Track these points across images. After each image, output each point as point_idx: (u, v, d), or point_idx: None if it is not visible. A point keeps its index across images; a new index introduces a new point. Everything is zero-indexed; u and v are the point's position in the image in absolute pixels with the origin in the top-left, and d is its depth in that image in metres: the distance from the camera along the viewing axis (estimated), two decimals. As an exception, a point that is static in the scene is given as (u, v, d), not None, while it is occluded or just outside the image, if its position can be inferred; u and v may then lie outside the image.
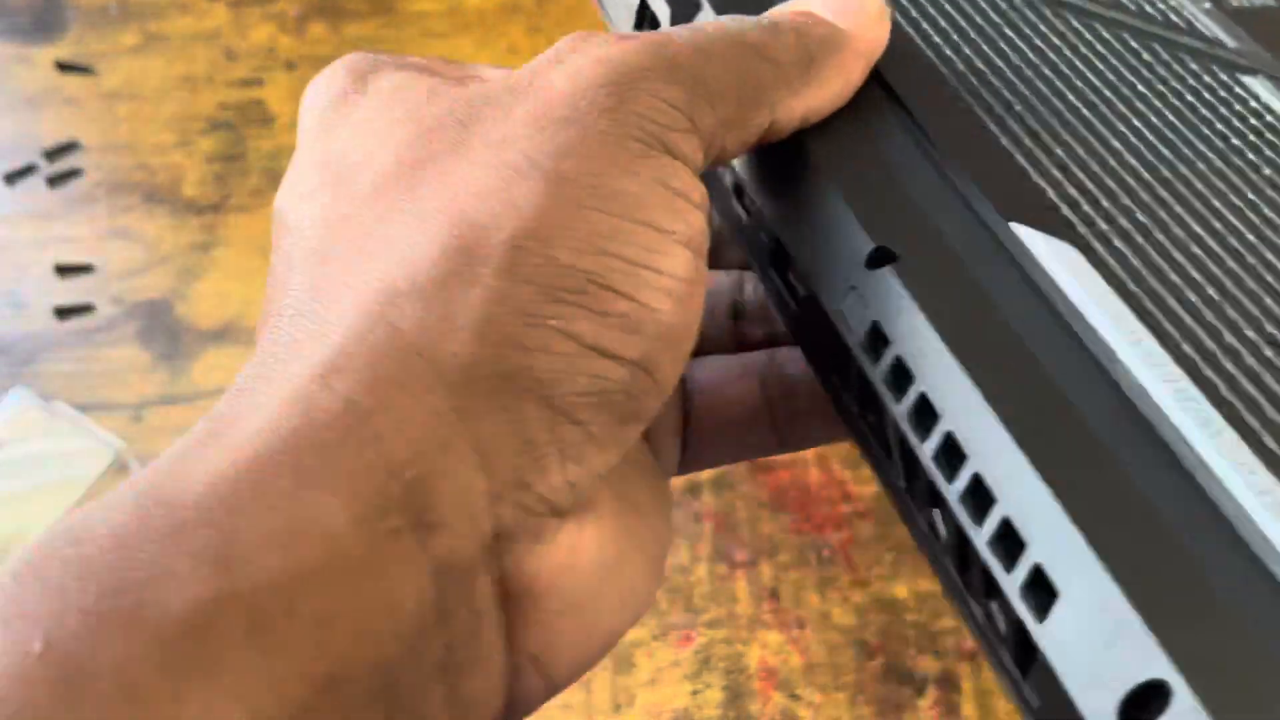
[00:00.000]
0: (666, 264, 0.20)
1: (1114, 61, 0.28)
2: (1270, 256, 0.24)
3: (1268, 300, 0.22)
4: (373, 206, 0.20)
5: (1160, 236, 0.23)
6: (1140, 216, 0.24)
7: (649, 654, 0.40)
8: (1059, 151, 0.25)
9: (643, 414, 0.20)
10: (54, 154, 0.60)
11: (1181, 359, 0.20)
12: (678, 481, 0.45)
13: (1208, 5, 0.33)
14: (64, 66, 0.63)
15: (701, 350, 0.28)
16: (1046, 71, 0.27)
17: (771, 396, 0.27)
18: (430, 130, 0.20)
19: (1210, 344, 0.21)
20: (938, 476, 0.19)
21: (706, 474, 0.45)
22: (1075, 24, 0.30)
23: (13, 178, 0.59)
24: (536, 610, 0.20)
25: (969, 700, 0.39)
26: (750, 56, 0.22)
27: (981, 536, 0.18)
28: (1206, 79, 0.29)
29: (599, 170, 0.19)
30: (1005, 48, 0.28)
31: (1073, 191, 0.24)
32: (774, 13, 0.23)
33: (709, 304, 0.27)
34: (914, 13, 0.28)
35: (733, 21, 0.22)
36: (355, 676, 0.16)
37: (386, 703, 0.17)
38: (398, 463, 0.17)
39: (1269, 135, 0.27)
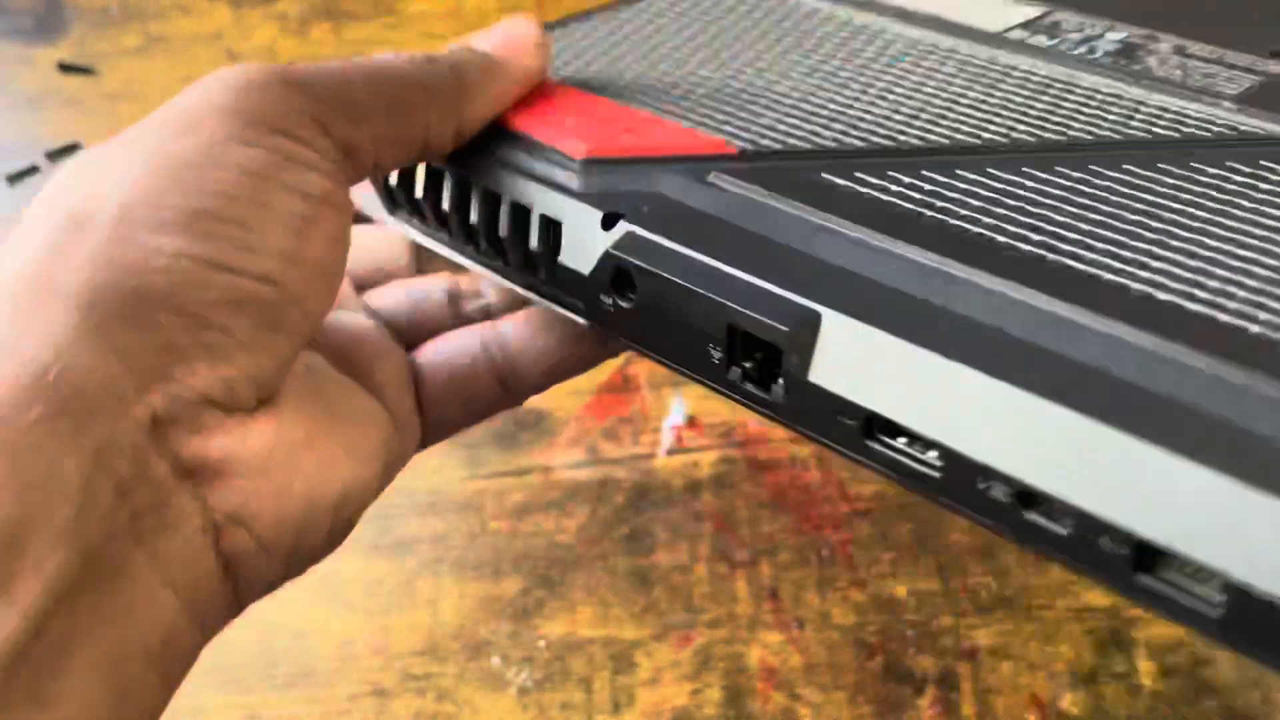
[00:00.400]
0: (279, 202, 0.24)
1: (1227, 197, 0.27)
2: None
3: None
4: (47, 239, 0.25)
5: None
6: None
7: (649, 654, 0.41)
8: None
9: (286, 323, 0.25)
10: (56, 155, 0.60)
11: None
12: (678, 482, 0.45)
13: (1228, 105, 0.32)
14: (66, 67, 0.63)
15: (431, 335, 0.33)
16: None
17: (491, 352, 0.32)
18: (92, 165, 0.25)
19: None
20: None
21: (706, 474, 0.45)
22: (1163, 169, 0.28)
23: (15, 178, 0.59)
24: (220, 478, 0.24)
25: (968, 700, 0.39)
26: (397, 84, 0.27)
27: None
28: None
29: (211, 140, 0.24)
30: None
31: None
32: (448, 48, 0.30)
33: (429, 296, 0.34)
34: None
35: (393, 57, 0.28)
36: (39, 531, 0.20)
37: (82, 556, 0.21)
38: (42, 365, 0.21)
39: None
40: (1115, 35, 0.36)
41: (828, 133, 0.30)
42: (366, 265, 0.34)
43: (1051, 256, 0.25)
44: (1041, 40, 0.36)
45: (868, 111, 0.31)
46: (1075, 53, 0.35)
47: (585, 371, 0.32)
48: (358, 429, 0.27)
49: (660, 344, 0.27)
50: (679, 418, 0.46)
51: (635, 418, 0.47)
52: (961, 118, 0.31)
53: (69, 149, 0.60)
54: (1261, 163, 0.29)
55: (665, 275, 0.26)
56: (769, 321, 0.24)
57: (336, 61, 0.27)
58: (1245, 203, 0.27)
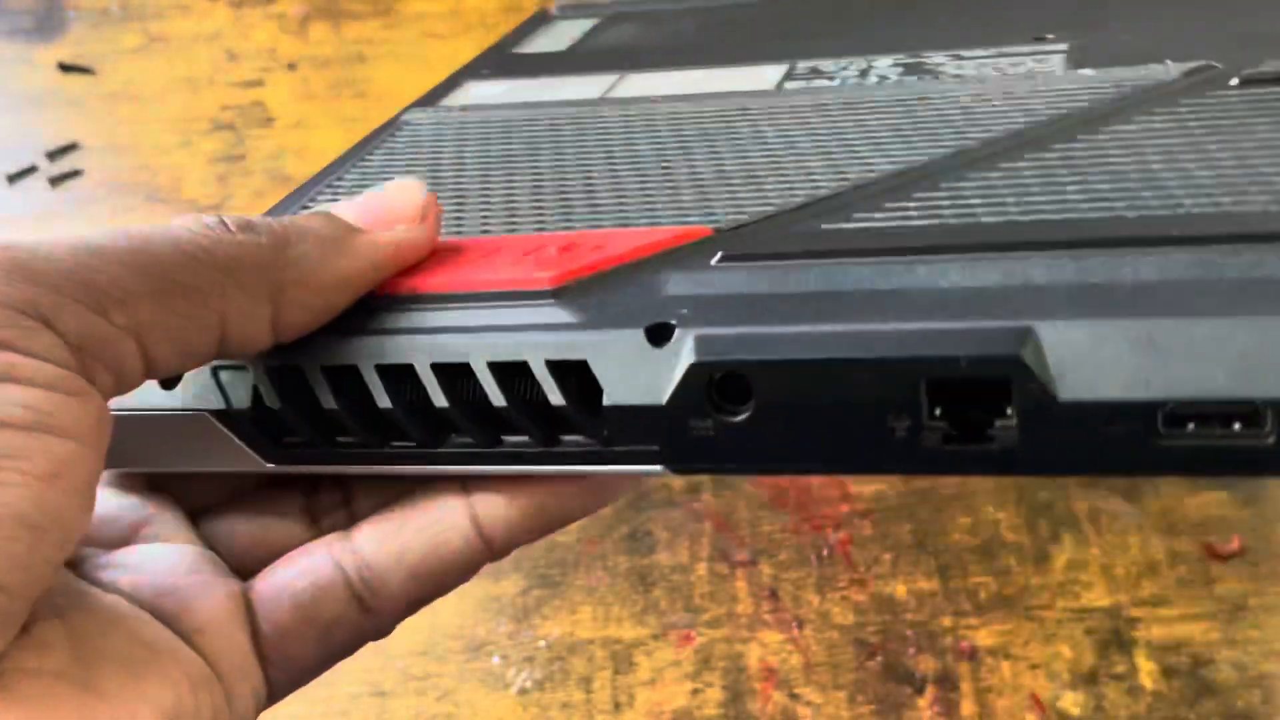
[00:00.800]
0: None
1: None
2: None
3: None
4: None
5: None
6: None
7: (649, 654, 0.41)
8: None
9: None
10: (56, 154, 0.60)
11: None
12: (678, 483, 0.45)
13: (1088, 71, 0.32)
14: (66, 67, 0.63)
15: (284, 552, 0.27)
16: None
17: (343, 567, 0.26)
18: None
19: None
20: None
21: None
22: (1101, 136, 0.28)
23: (15, 178, 0.59)
24: None
25: (968, 699, 0.39)
26: (174, 255, 0.22)
27: None
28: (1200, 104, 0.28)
29: None
30: None
31: None
32: (296, 216, 0.25)
33: (279, 509, 0.27)
34: None
35: (185, 224, 0.23)
36: None
37: None
38: None
39: None
40: (883, 63, 0.35)
41: (775, 195, 0.27)
42: (220, 496, 0.28)
43: (1179, 211, 0.23)
44: (825, 83, 0.34)
45: (781, 170, 0.29)
46: (870, 82, 0.34)
47: (464, 582, 0.27)
48: (117, 709, 0.21)
49: (798, 450, 0.22)
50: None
51: (635, 418, 0.47)
52: (875, 150, 0.29)
53: (68, 149, 0.60)
54: (1181, 100, 0.29)
55: (810, 358, 0.22)
56: (992, 353, 0.21)
57: (97, 232, 0.22)
58: (1231, 125, 0.27)
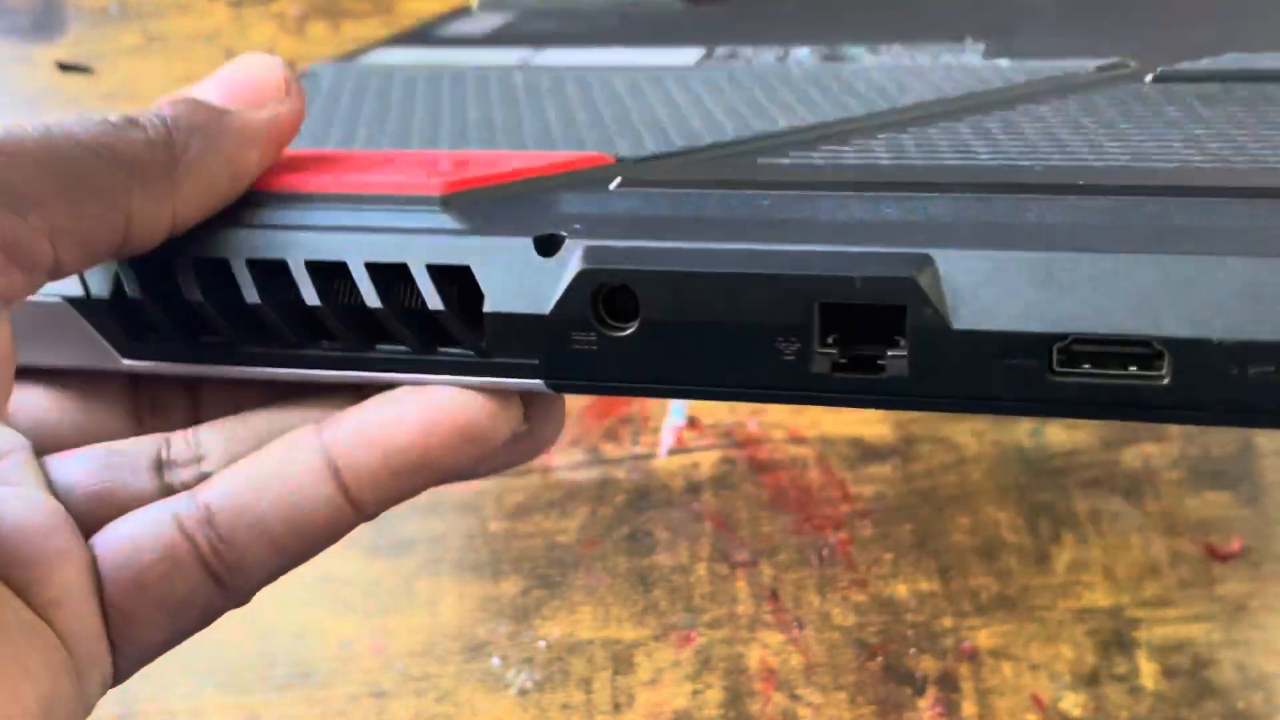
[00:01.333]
0: None
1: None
2: None
3: None
4: None
5: None
6: None
7: (649, 654, 0.40)
8: None
9: None
10: (54, 154, 0.60)
11: None
12: (678, 483, 0.45)
13: (1005, 60, 0.32)
14: (64, 67, 0.63)
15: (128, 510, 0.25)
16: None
17: (191, 533, 0.23)
18: None
19: None
20: None
21: (706, 474, 0.45)
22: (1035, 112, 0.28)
23: (13, 178, 0.59)
24: None
25: (969, 700, 0.39)
26: (82, 155, 0.21)
27: None
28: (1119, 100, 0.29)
29: None
30: None
31: None
32: (154, 106, 0.23)
33: (131, 460, 0.25)
34: None
35: (74, 120, 0.22)
36: None
37: None
38: None
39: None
40: (800, 51, 0.35)
41: (680, 138, 0.27)
42: (66, 430, 0.26)
43: (1095, 164, 0.24)
44: (741, 64, 0.34)
45: (687, 122, 0.29)
46: (787, 65, 0.34)
47: (328, 545, 0.25)
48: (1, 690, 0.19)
49: (682, 369, 0.22)
50: (679, 418, 0.46)
51: (635, 418, 0.46)
52: (785, 112, 0.29)
53: (67, 148, 0.59)
54: (1094, 90, 0.29)
55: (701, 271, 0.21)
56: (887, 274, 0.20)
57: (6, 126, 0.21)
58: (1145, 113, 0.27)
